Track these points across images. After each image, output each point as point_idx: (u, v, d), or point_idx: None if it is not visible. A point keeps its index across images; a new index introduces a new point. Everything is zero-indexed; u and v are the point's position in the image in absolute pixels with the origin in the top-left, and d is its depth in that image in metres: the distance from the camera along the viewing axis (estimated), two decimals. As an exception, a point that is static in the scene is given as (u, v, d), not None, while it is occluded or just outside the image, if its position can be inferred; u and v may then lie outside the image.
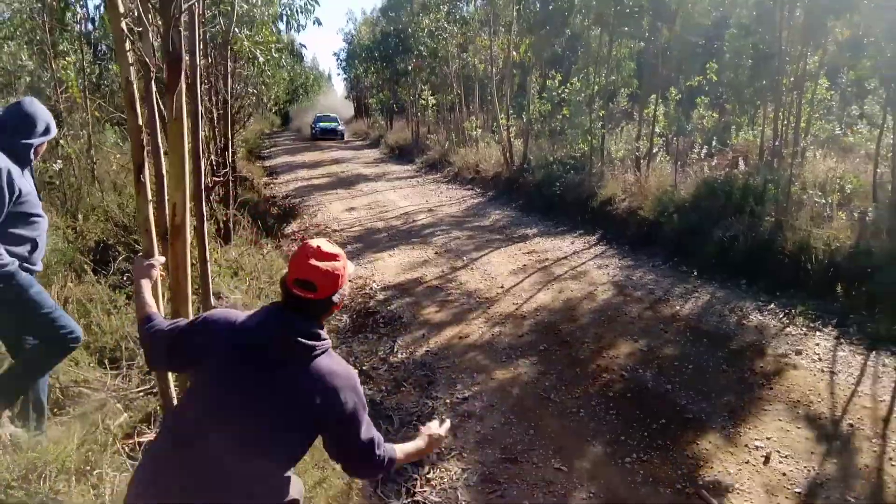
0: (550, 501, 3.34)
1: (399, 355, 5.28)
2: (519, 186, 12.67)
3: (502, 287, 6.90)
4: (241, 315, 1.86)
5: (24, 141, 2.82)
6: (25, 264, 2.84)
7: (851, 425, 3.99)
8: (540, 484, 3.48)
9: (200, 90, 2.67)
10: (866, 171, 7.85)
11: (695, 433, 3.94)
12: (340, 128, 32.18)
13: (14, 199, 2.73)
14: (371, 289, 7.07)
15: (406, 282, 7.25)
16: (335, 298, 1.82)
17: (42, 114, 2.92)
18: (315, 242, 1.82)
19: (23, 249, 2.84)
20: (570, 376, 4.75)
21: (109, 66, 10.02)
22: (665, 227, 8.26)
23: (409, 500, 3.42)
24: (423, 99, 20.80)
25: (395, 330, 5.82)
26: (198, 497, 1.68)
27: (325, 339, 1.81)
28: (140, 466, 1.85)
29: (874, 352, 5.01)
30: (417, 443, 2.13)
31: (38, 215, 2.91)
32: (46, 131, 2.92)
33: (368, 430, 1.85)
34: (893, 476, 3.48)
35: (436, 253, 8.51)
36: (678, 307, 6.15)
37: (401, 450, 2.01)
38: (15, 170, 2.75)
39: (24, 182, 2.81)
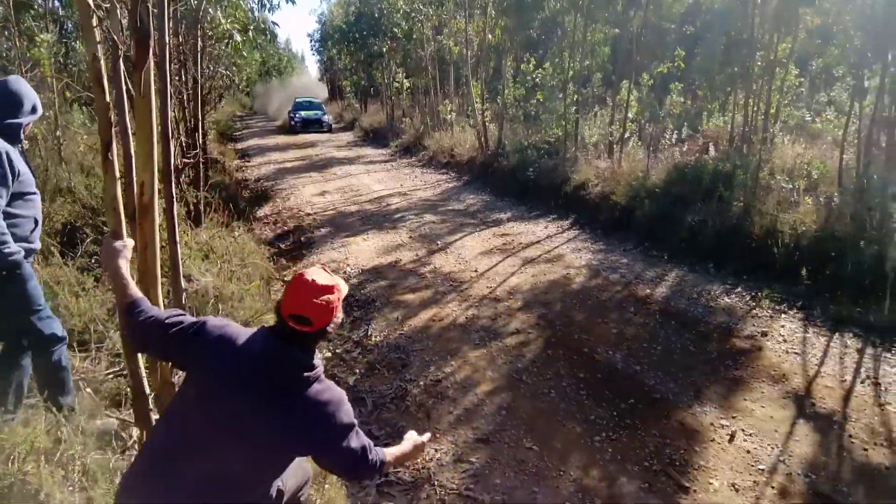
0: (521, 479, 3.39)
1: (373, 338, 5.28)
2: (493, 171, 12.68)
3: (476, 271, 6.93)
4: (240, 333, 1.91)
5: (11, 121, 2.79)
6: (25, 244, 2.85)
7: (814, 404, 4.11)
8: (511, 463, 3.53)
9: (170, 69, 2.61)
10: (833, 157, 8.01)
11: (662, 412, 4.02)
12: (326, 117, 26.01)
13: (14, 180, 2.74)
14: (345, 273, 7.04)
15: (380, 265, 7.23)
16: (328, 329, 1.88)
17: (28, 92, 2.89)
18: (311, 275, 1.85)
19: (25, 229, 2.86)
20: (543, 358, 4.81)
21: (76, 45, 9.76)
22: (637, 212, 8.35)
23: (381, 479, 3.44)
24: (398, 82, 20.64)
25: (369, 313, 5.82)
26: (191, 500, 1.75)
27: (318, 367, 1.88)
28: (130, 471, 1.89)
29: (837, 333, 5.15)
30: (404, 446, 2.22)
31: (34, 193, 2.92)
32: (34, 110, 2.91)
33: (359, 439, 1.93)
34: (853, 453, 3.60)
35: (410, 237, 8.50)
36: (648, 290, 6.24)
37: (390, 453, 2.11)
38: (12, 150, 2.75)
39: (19, 160, 2.80)
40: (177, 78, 7.69)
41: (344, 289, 1.91)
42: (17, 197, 2.78)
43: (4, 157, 2.67)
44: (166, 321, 1.96)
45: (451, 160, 14.99)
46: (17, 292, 2.81)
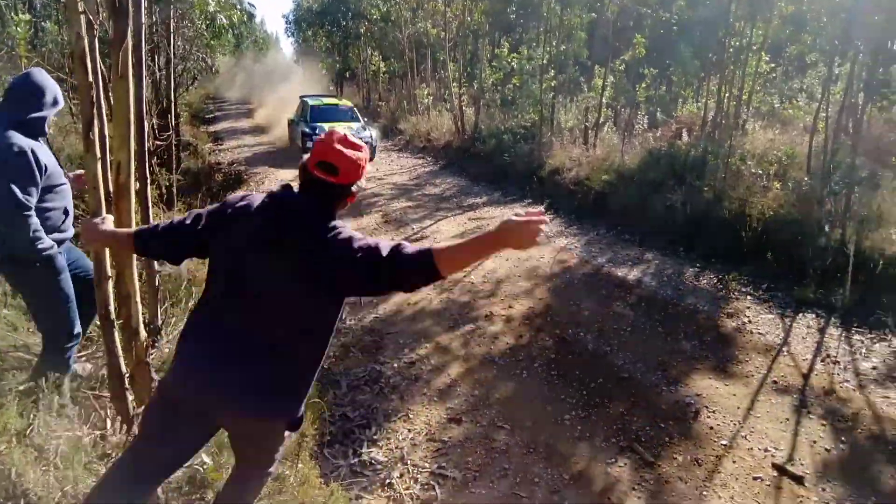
0: (493, 457, 3.47)
1: (347, 321, 5.31)
2: (470, 155, 12.70)
3: (451, 254, 6.97)
4: (259, 196, 1.93)
5: (35, 115, 2.80)
6: (57, 234, 2.92)
7: (776, 382, 4.25)
8: (483, 442, 3.61)
9: (144, 49, 2.61)
10: (802, 144, 8.16)
11: (630, 391, 4.13)
12: (369, 133, 13.60)
13: (43, 176, 2.77)
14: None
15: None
16: (353, 188, 1.89)
17: (50, 84, 2.89)
18: (342, 130, 1.90)
19: (56, 220, 2.93)
20: (515, 340, 4.89)
21: (45, 25, 9.56)
22: (610, 197, 8.46)
23: (356, 460, 3.50)
24: (374, 64, 20.46)
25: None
26: (240, 368, 1.80)
27: (337, 219, 1.87)
28: (182, 349, 1.93)
29: (800, 314, 5.32)
30: (485, 233, 1.67)
31: (63, 183, 2.96)
32: (55, 102, 2.90)
33: (389, 243, 1.79)
34: (810, 429, 3.74)
35: (384, 220, 8.52)
36: (620, 274, 6.35)
37: (448, 244, 1.72)
38: (35, 145, 2.76)
39: (45, 155, 2.82)
40: (150, 59, 7.58)
41: (369, 165, 1.95)
42: (47, 190, 2.82)
43: (30, 155, 2.69)
44: (182, 219, 1.99)
45: (427, 144, 14.98)
46: (50, 284, 2.89)
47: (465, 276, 6.24)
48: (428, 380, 4.32)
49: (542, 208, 1.66)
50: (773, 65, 10.80)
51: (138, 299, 2.60)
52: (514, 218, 1.61)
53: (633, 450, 3.52)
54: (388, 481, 3.32)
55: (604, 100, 11.05)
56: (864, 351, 4.72)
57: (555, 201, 9.32)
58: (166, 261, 2.17)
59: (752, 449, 3.54)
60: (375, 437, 3.70)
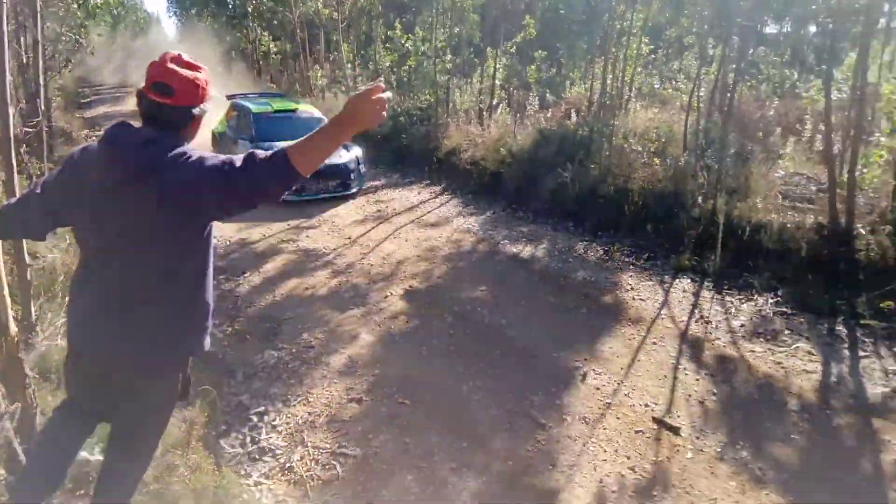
0: (393, 433, 3.53)
1: (243, 308, 5.19)
2: (367, 138, 12.57)
3: (349, 238, 6.95)
4: (96, 145, 1.80)
5: None
6: None
7: (654, 343, 4.58)
8: (384, 419, 3.66)
9: (6, 30, 2.43)
10: (680, 121, 8.69)
11: (524, 361, 4.32)
12: (352, 155, 9.03)
13: None
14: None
15: (248, 238, 7.05)
16: (195, 111, 1.80)
17: None
18: (176, 51, 1.81)
19: None
20: (414, 318, 4.96)
21: None
22: (504, 176, 8.69)
23: (254, 447, 3.46)
24: (264, 45, 19.77)
25: (238, 285, 5.69)
26: (121, 321, 1.77)
27: (183, 146, 1.76)
28: (69, 314, 1.90)
29: (676, 280, 5.73)
30: (333, 117, 1.65)
31: None
32: None
33: (235, 157, 1.70)
34: (686, 383, 4.07)
35: (281, 208, 8.32)
36: (515, 250, 6.58)
37: (296, 141, 1.64)
38: None
39: None
40: (14, 40, 6.99)
41: (213, 88, 1.87)
42: None
43: None
44: (30, 190, 1.88)
45: (323, 127, 14.69)
46: None
47: (362, 258, 6.25)
48: (327, 362, 4.31)
49: (381, 82, 1.69)
50: (653, 47, 11.39)
51: (6, 293, 2.44)
52: (357, 94, 1.63)
53: (526, 414, 3.69)
54: (288, 465, 3.30)
55: (497, 81, 11.27)
56: (733, 311, 5.16)
57: (452, 182, 9.46)
58: (30, 238, 2.07)
59: (633, 405, 3.81)
60: (274, 422, 3.66)
